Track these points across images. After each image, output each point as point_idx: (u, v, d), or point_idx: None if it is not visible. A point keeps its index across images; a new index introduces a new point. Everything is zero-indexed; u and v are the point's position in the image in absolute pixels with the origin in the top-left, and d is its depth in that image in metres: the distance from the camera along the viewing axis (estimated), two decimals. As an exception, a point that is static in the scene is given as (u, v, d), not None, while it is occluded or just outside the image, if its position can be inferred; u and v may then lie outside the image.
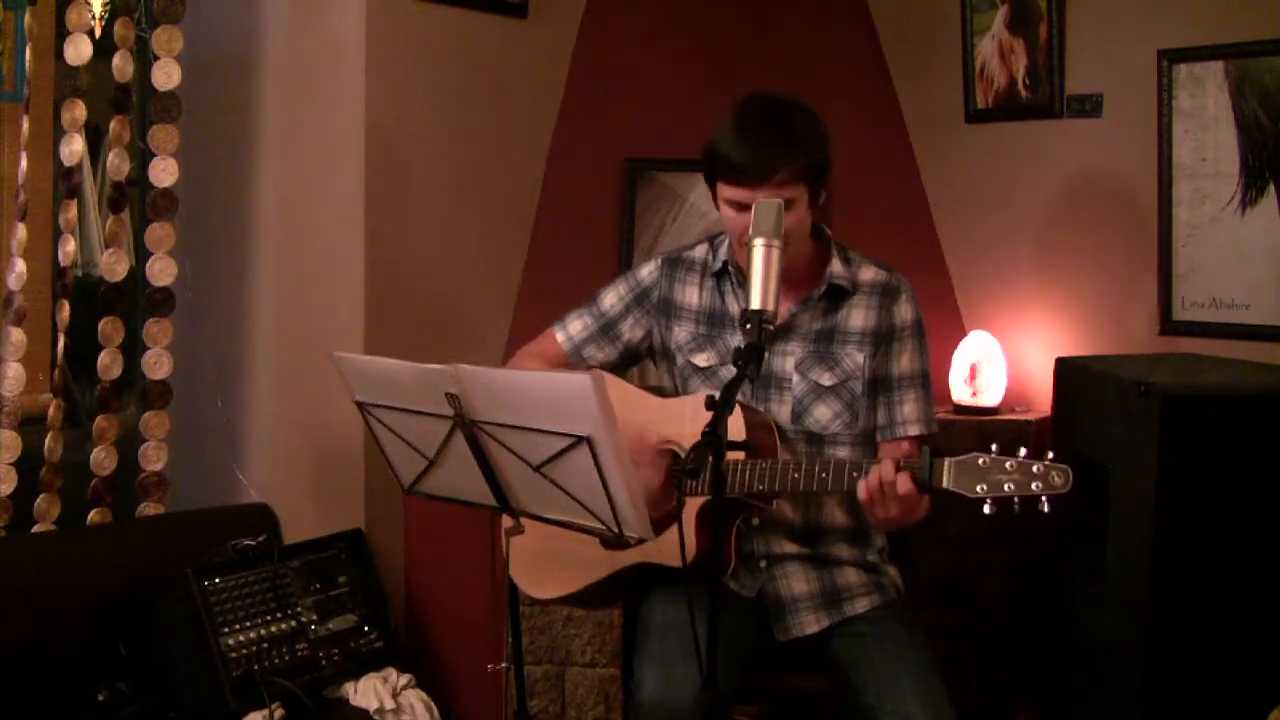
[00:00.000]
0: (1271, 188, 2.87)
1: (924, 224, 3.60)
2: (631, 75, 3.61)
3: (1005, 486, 1.98)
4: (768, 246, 2.01)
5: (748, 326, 1.98)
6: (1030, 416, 3.26)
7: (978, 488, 1.99)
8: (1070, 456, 2.01)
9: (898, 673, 2.23)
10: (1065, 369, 2.84)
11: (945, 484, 2.02)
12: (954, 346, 3.34)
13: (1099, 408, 2.58)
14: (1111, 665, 2.50)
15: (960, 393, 3.31)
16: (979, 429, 3.19)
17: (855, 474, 2.10)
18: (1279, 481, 2.35)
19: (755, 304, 1.98)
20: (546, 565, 2.36)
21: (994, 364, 3.31)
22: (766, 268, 2.00)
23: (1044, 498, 1.97)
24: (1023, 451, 1.99)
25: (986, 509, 1.99)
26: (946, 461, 2.02)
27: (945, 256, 3.58)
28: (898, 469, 2.06)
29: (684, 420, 2.28)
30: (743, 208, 2.21)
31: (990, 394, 3.30)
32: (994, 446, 2.00)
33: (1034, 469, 1.97)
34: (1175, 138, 3.00)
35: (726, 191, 2.24)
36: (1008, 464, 1.99)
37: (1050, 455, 1.98)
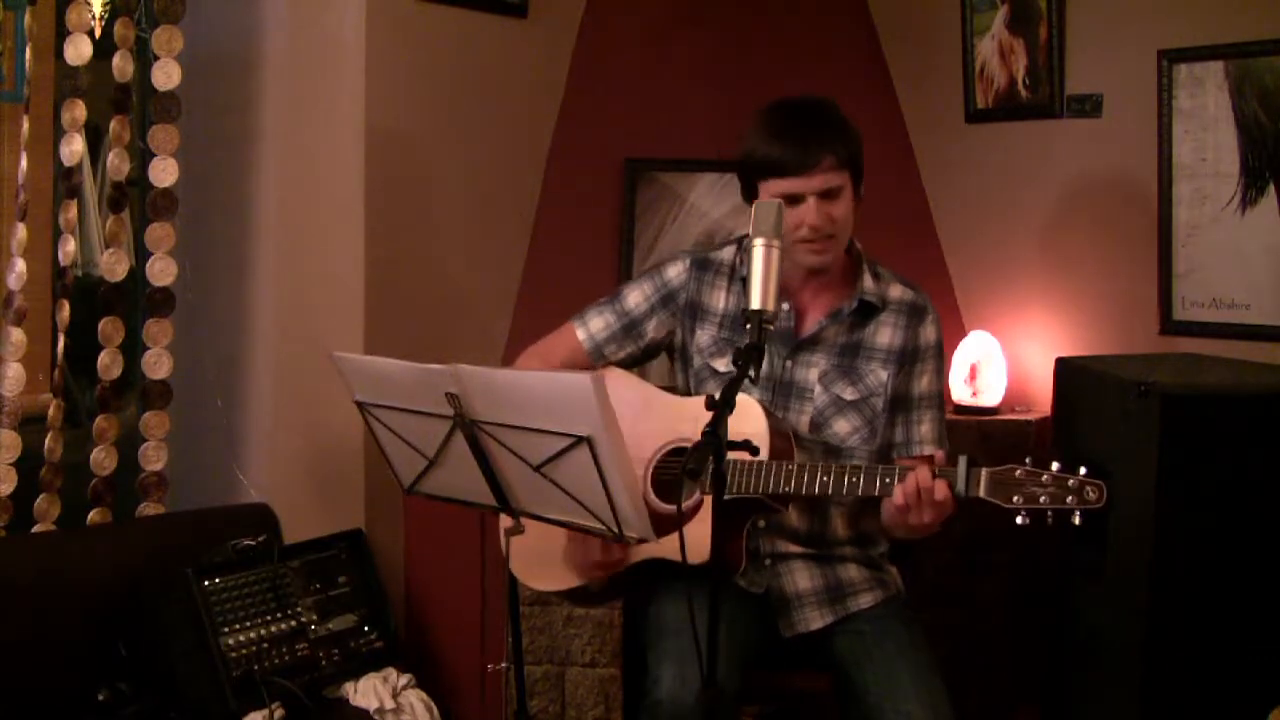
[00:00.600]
0: (1271, 188, 2.87)
1: (924, 224, 3.60)
2: (631, 75, 3.61)
3: (1040, 499, 2.00)
4: (768, 246, 2.01)
5: (748, 326, 1.98)
6: (1030, 416, 3.26)
7: (1014, 498, 2.01)
8: (1068, 458, 2.01)
9: (898, 672, 2.23)
10: (1065, 369, 2.84)
11: (981, 493, 2.04)
12: (954, 346, 3.34)
13: (1099, 408, 2.58)
14: (1111, 665, 2.50)
15: (960, 393, 3.32)
16: (979, 429, 3.19)
17: (889, 479, 2.10)
18: (1279, 481, 2.35)
19: (755, 304, 1.98)
20: (550, 561, 2.35)
21: (994, 364, 3.32)
22: (767, 268, 2.00)
23: (1077, 511, 1.98)
24: (1055, 465, 2.01)
25: (1020, 520, 2.01)
26: (984, 471, 2.04)
27: (945, 256, 3.59)
28: (934, 476, 2.07)
29: (700, 420, 2.28)
30: (793, 202, 2.22)
31: (990, 394, 3.30)
32: (1029, 460, 2.02)
33: (1069, 483, 1.99)
34: (1175, 138, 3.00)
35: (776, 187, 2.24)
36: (1043, 477, 2.00)
37: (1084, 470, 1.99)
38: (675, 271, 2.46)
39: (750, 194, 2.32)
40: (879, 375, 2.36)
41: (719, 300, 2.42)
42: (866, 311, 2.38)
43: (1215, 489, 2.35)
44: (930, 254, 3.57)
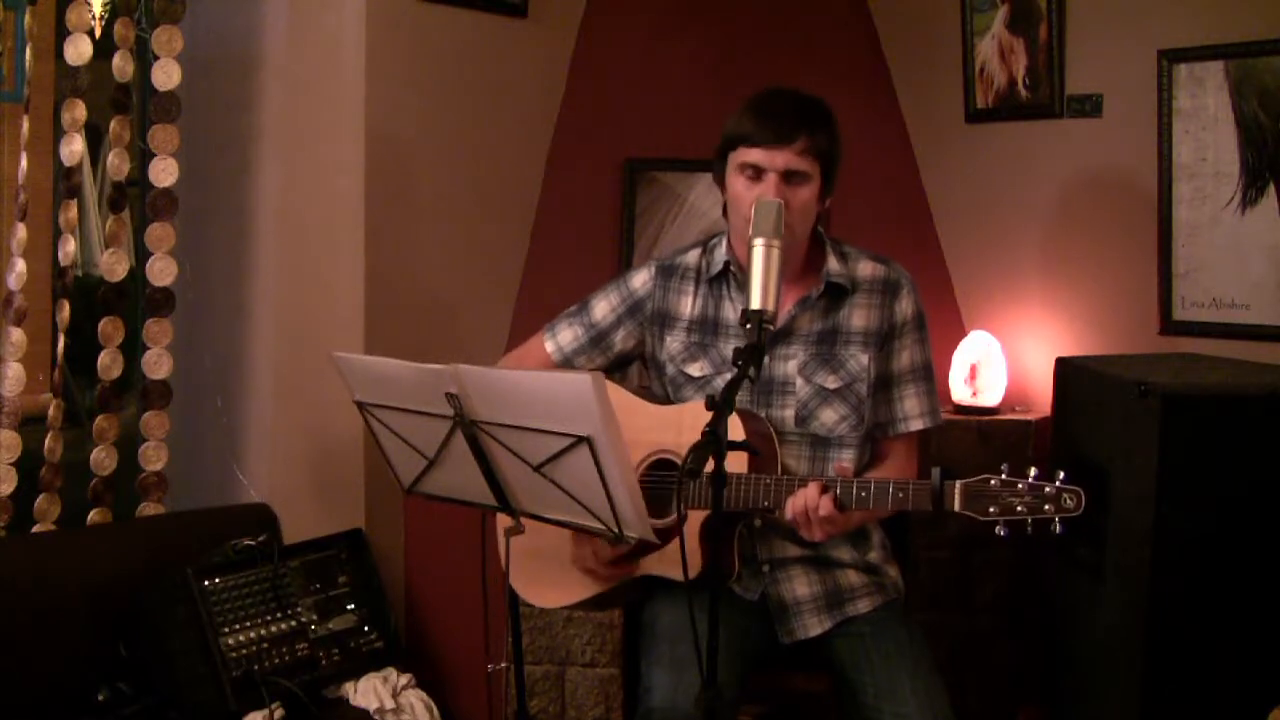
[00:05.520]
0: (1271, 188, 2.87)
1: (924, 224, 3.60)
2: (631, 75, 3.61)
3: (1017, 509, 1.97)
4: (768, 246, 2.01)
5: (748, 326, 1.97)
6: (1030, 416, 3.26)
7: (990, 509, 1.98)
8: (1068, 458, 2.01)
9: (897, 674, 2.23)
10: (1065, 369, 2.84)
11: (956, 507, 2.00)
12: (954, 346, 3.34)
13: (1099, 408, 2.58)
14: (1111, 665, 2.50)
15: (960, 393, 3.31)
16: (979, 429, 3.19)
17: (864, 493, 2.07)
18: (1279, 481, 2.35)
19: (755, 304, 1.97)
20: (547, 574, 2.35)
21: (994, 364, 3.32)
22: (766, 268, 2.00)
23: (1056, 520, 1.96)
24: (1033, 472, 1.98)
25: (999, 531, 1.98)
26: (957, 485, 2.00)
27: (945, 256, 3.59)
28: (821, 492, 2.06)
29: (681, 428, 2.27)
30: (758, 175, 2.19)
31: (990, 394, 3.30)
32: (1004, 467, 1.99)
33: (1046, 490, 1.96)
34: (1175, 138, 3.00)
35: (745, 155, 2.21)
36: (1019, 485, 1.97)
37: (1061, 475, 1.97)
38: (641, 280, 2.44)
39: (719, 171, 2.29)
40: (860, 360, 2.31)
41: (686, 305, 2.39)
42: (836, 294, 2.32)
43: (1215, 489, 2.35)
44: (930, 254, 3.57)
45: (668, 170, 3.60)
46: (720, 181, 2.31)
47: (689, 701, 2.09)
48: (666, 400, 2.42)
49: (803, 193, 2.21)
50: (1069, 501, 1.95)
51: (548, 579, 2.37)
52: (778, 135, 2.18)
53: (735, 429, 2.17)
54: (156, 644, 2.72)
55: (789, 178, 2.19)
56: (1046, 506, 1.96)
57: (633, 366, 2.58)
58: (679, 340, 2.39)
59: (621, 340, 2.45)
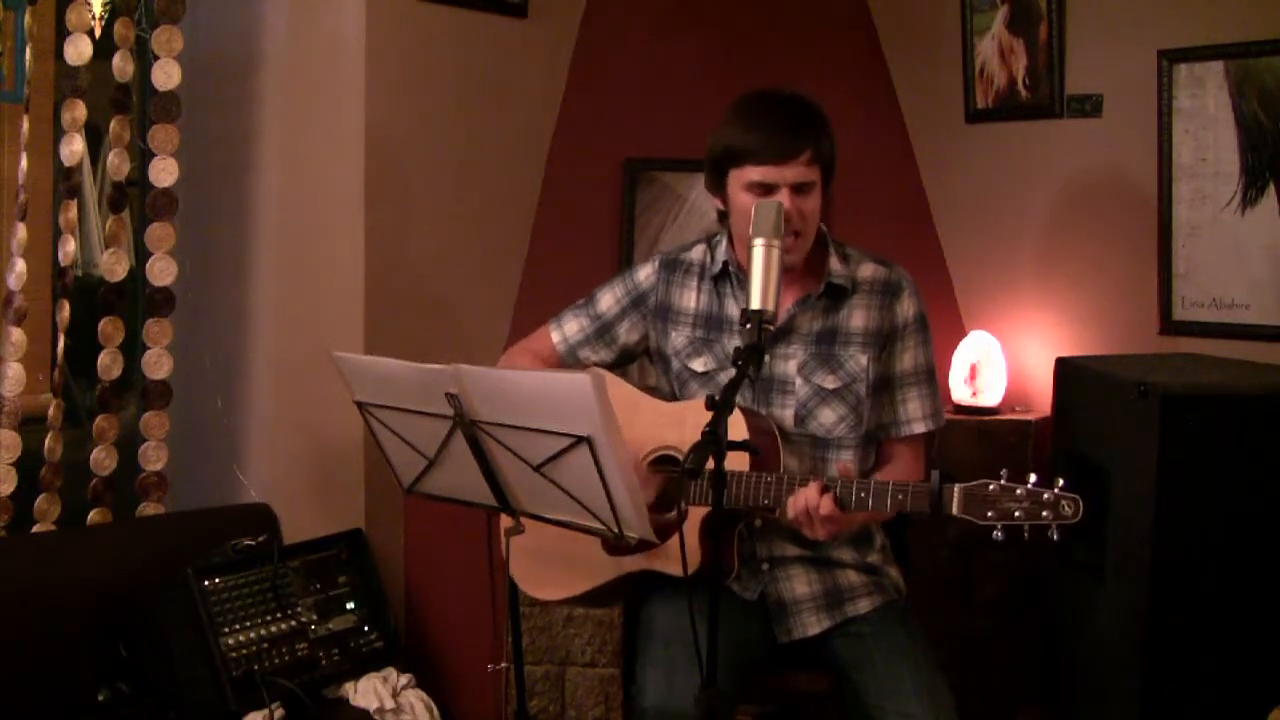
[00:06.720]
0: (1271, 188, 2.88)
1: (924, 224, 3.60)
2: (631, 75, 3.61)
3: (1015, 514, 1.96)
4: (768, 246, 2.01)
5: (747, 326, 1.97)
6: (1030, 416, 3.26)
7: (987, 514, 1.97)
8: (1068, 458, 2.01)
9: (899, 673, 2.22)
10: (1065, 369, 2.84)
11: (954, 511, 1.99)
12: (954, 346, 3.34)
13: (1099, 408, 2.58)
14: (1111, 665, 2.50)
15: (960, 393, 3.31)
16: (979, 429, 3.19)
17: (864, 493, 2.08)
18: (1279, 481, 2.35)
19: (755, 304, 1.97)
20: (547, 567, 2.35)
21: (994, 364, 3.31)
22: (766, 268, 1.99)
23: (1054, 526, 1.95)
24: (1032, 478, 1.97)
25: (996, 535, 1.97)
26: (956, 488, 1.99)
27: (945, 256, 3.59)
28: (822, 492, 2.06)
29: (684, 425, 2.27)
30: (767, 191, 2.19)
31: (990, 394, 3.30)
32: (1004, 473, 1.98)
33: (1044, 497, 1.95)
34: (1175, 138, 3.00)
35: (751, 174, 2.20)
36: (1018, 491, 1.96)
37: (1061, 483, 1.96)
38: (645, 274, 2.45)
39: (717, 184, 2.29)
40: (859, 360, 2.31)
41: (690, 300, 2.40)
42: (837, 295, 2.32)
43: (1215, 489, 2.35)
44: (930, 254, 3.57)
45: (668, 170, 3.60)
46: (715, 190, 2.31)
47: (681, 701, 2.10)
48: (672, 395, 2.42)
49: (812, 200, 2.23)
50: (1067, 509, 1.95)
51: (548, 577, 2.37)
52: (785, 150, 2.18)
53: (738, 427, 2.18)
54: (156, 644, 2.72)
55: (798, 188, 2.20)
56: (1044, 513, 1.95)
57: (633, 365, 2.58)
58: (684, 335, 2.39)
59: (626, 332, 2.46)
